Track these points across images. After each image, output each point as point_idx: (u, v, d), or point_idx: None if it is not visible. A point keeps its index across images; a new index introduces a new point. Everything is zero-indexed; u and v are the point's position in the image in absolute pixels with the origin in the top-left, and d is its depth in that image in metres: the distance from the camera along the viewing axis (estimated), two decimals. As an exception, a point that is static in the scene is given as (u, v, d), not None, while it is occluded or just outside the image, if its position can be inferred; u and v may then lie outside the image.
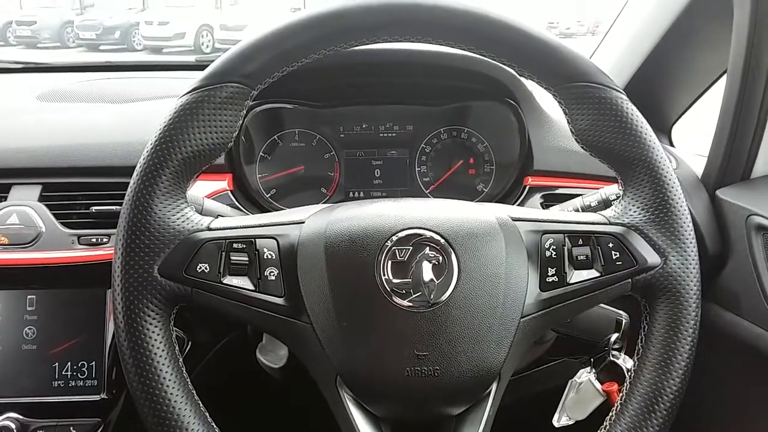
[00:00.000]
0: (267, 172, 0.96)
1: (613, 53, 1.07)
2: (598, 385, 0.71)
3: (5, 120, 0.97)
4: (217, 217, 0.61)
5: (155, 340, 0.55)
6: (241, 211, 0.86)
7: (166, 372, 0.55)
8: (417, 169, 0.98)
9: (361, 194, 0.98)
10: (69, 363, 0.82)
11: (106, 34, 9.50)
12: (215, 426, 0.57)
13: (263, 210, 0.92)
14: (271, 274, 0.58)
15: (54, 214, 0.82)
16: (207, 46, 9.22)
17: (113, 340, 0.82)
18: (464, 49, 0.60)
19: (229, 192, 0.89)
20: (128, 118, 0.96)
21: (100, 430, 0.81)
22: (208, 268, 0.57)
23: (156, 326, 0.56)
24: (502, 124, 0.96)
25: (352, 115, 0.97)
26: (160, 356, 0.55)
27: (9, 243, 0.80)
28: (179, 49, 8.92)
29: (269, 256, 0.58)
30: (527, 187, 0.92)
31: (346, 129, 0.97)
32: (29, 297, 0.82)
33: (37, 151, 0.86)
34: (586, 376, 0.72)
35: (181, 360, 0.57)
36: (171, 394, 0.55)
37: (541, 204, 0.90)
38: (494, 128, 0.97)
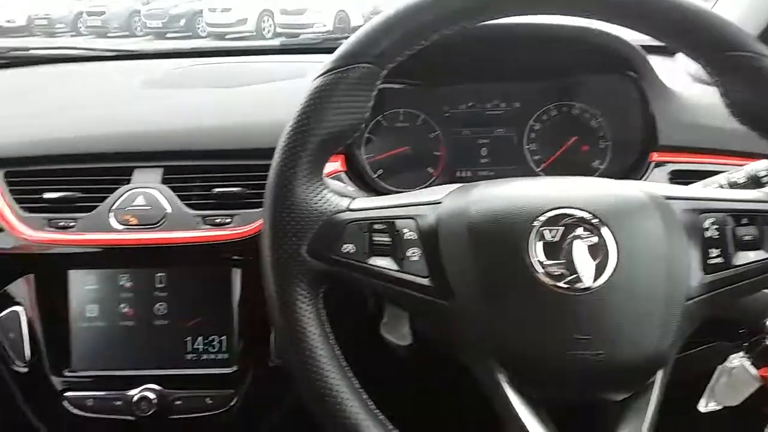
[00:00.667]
0: (373, 152, 0.97)
1: (736, 8, 1.01)
2: (753, 371, 0.68)
3: (118, 106, 1.01)
4: (353, 199, 0.62)
5: (308, 317, 0.57)
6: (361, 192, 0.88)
7: (322, 350, 0.57)
8: (526, 147, 0.97)
9: (468, 174, 0.97)
10: (200, 337, 0.86)
11: (172, 22, 9.75)
12: (369, 401, 0.58)
13: (374, 191, 0.93)
14: (414, 254, 0.58)
15: (178, 196, 0.86)
16: (268, 31, 9.34)
17: (241, 316, 0.86)
18: (608, 22, 0.59)
19: (343, 173, 0.90)
20: (238, 102, 0.99)
21: (234, 401, 0.85)
22: (354, 248, 0.58)
23: (308, 305, 0.57)
24: (619, 97, 0.93)
25: (457, 94, 0.97)
26: (314, 333, 0.57)
27: (138, 224, 0.84)
28: (242, 35, 9.06)
29: (410, 237, 0.59)
30: (652, 163, 0.88)
31: (452, 108, 0.97)
32: (158, 275, 0.86)
33: (157, 135, 0.90)
34: (738, 360, 0.70)
35: (332, 337, 0.58)
36: (326, 370, 0.56)
37: (669, 182, 0.87)
38: (610, 102, 0.94)
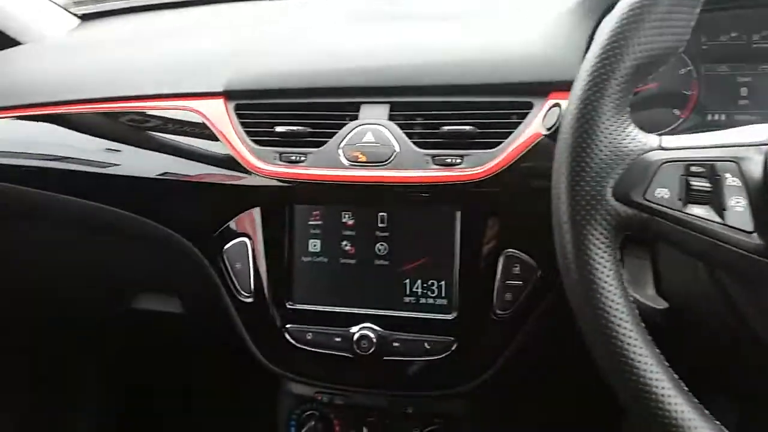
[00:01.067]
0: None
1: None
2: None
3: (336, 40, 0.99)
4: (661, 135, 0.54)
5: (608, 268, 0.51)
6: None
7: (620, 306, 0.51)
8: None
9: (723, 117, 0.85)
10: (419, 281, 0.84)
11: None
12: (671, 370, 0.51)
13: None
14: (738, 204, 0.50)
15: (406, 134, 0.82)
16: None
17: (462, 262, 0.82)
18: None
19: None
20: (467, 35, 0.92)
21: (453, 348, 0.82)
22: (668, 193, 0.51)
23: (606, 252, 0.51)
24: None
25: (718, 22, 0.84)
26: (613, 287, 0.51)
27: (366, 161, 0.82)
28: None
29: (733, 183, 0.50)
30: None
31: (710, 39, 0.84)
32: (380, 214, 0.84)
33: (384, 69, 0.86)
34: None
35: (630, 290, 0.52)
36: (624, 331, 0.50)
37: None
38: None
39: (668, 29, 0.51)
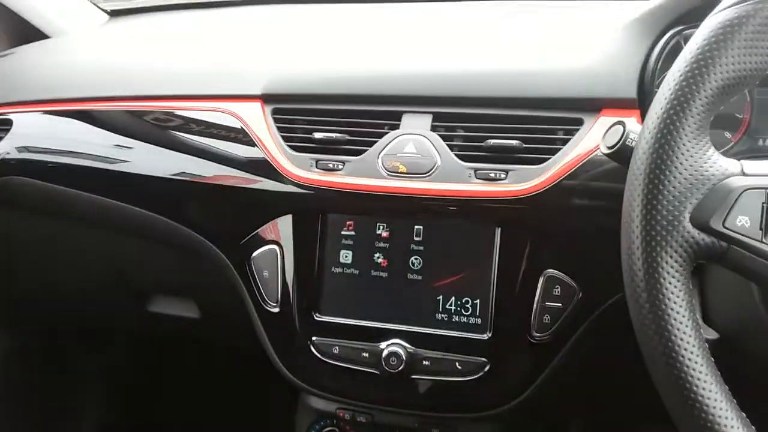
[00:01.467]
0: None
1: None
2: None
3: (375, 44, 0.96)
4: (740, 160, 0.51)
5: (680, 298, 0.48)
6: None
7: (690, 339, 0.48)
8: None
9: (774, 143, 0.82)
10: (453, 297, 0.81)
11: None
12: (738, 409, 0.48)
13: None
14: None
15: (448, 145, 0.79)
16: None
17: (500, 281, 0.79)
18: None
19: None
20: (515, 46, 0.90)
21: (486, 369, 0.79)
22: (749, 222, 0.48)
23: (679, 282, 0.48)
24: None
25: None
26: (684, 317, 0.48)
27: (406, 172, 0.79)
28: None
29: None
30: None
31: None
32: (416, 227, 0.81)
33: (428, 78, 0.84)
34: None
35: (700, 320, 0.49)
36: (692, 362, 0.48)
37: None
38: None
39: (757, 49, 0.49)
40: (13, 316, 1.32)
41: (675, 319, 0.47)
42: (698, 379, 0.47)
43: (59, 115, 1.00)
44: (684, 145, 0.48)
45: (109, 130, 0.96)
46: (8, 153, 1.01)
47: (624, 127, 0.58)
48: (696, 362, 0.47)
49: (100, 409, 1.49)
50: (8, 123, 1.02)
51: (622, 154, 0.57)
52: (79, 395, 1.47)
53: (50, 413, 1.41)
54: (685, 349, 0.47)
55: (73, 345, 1.43)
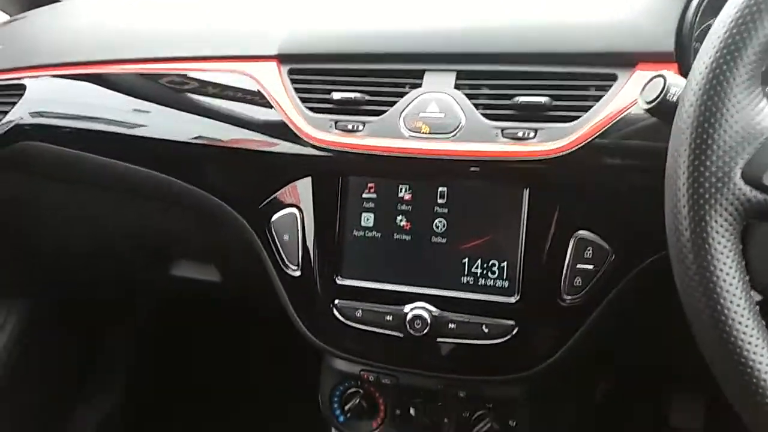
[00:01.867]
0: None
1: None
2: None
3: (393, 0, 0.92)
4: None
5: (729, 258, 0.46)
6: None
7: (740, 302, 0.46)
8: None
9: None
10: (479, 260, 0.79)
11: None
12: None
13: None
14: None
15: (473, 104, 0.76)
16: None
17: (527, 243, 0.76)
18: None
19: None
20: None
21: (513, 333, 0.78)
22: None
23: (729, 241, 0.46)
24: None
25: None
26: (734, 279, 0.46)
27: (430, 132, 0.76)
28: None
29: None
30: None
31: None
32: (440, 189, 0.79)
33: (451, 34, 0.80)
34: None
35: (750, 285, 0.47)
36: (743, 327, 0.46)
37: None
38: None
39: None
40: (32, 285, 1.32)
41: (724, 281, 0.45)
42: (748, 342, 0.45)
43: (73, 79, 0.98)
44: (735, 96, 0.45)
45: (123, 93, 0.94)
46: (22, 118, 0.99)
47: (665, 80, 0.54)
48: (746, 325, 0.45)
49: (128, 378, 1.51)
50: (22, 88, 1.01)
51: (662, 109, 0.54)
52: (106, 365, 1.50)
53: (72, 384, 1.44)
54: (735, 312, 0.45)
55: (96, 314, 1.44)
